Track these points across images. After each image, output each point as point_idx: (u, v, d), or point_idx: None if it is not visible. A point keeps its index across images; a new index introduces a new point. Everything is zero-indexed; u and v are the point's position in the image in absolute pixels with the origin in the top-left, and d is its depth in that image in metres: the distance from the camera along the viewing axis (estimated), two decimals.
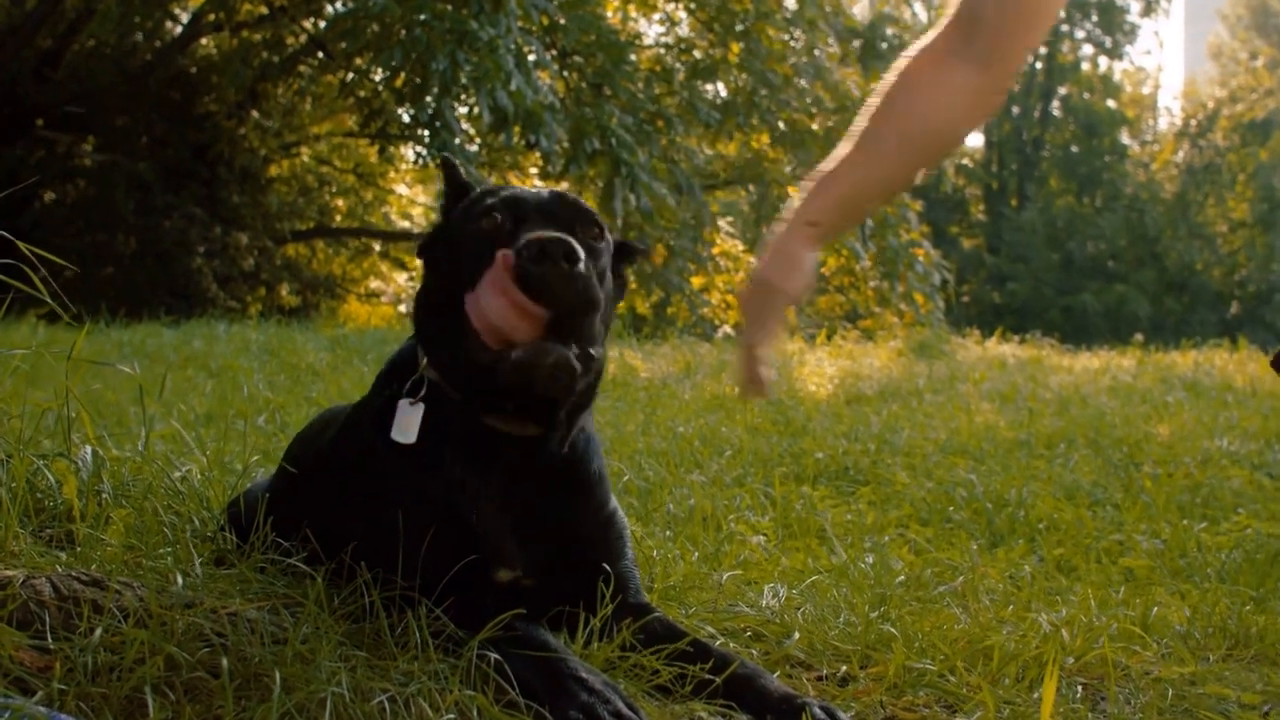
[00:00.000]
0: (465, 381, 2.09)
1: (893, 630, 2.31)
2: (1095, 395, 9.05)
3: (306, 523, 2.17)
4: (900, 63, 2.20)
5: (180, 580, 1.92)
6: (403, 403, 2.11)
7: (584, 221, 2.15)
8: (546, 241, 1.93)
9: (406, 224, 25.93)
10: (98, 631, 1.72)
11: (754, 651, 2.27)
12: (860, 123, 2.19)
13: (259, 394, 6.68)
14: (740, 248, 21.65)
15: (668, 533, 3.39)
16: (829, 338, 15.05)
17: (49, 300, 2.30)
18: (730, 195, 23.43)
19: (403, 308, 24.12)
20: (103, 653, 1.70)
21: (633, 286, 18.01)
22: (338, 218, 24.06)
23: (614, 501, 2.28)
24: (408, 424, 2.10)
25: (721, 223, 21.61)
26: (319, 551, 2.11)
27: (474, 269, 2.01)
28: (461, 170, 2.28)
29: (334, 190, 23.88)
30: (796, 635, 2.30)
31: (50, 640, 1.74)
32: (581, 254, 1.95)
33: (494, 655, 1.84)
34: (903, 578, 3.10)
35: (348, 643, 1.85)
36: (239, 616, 1.83)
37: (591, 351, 2.03)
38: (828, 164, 2.20)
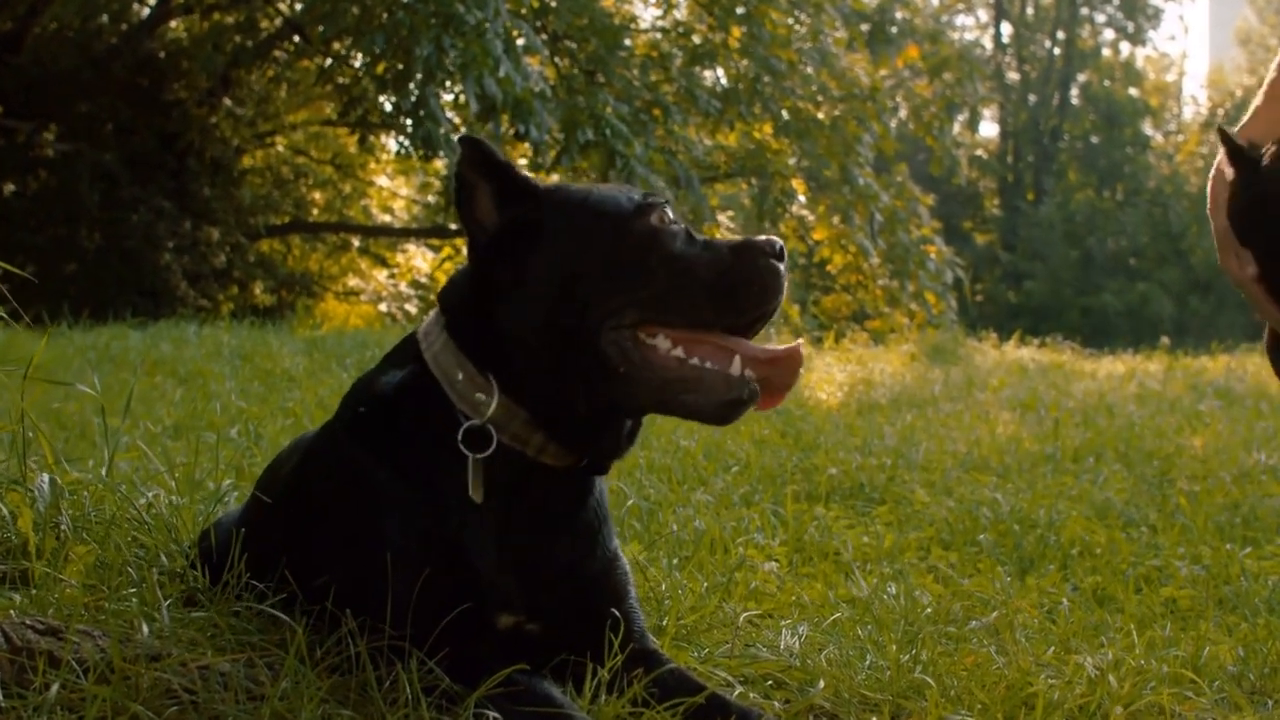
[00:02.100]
0: (565, 414, 2.04)
1: (926, 679, 2.23)
2: (1122, 404, 9.00)
3: (284, 560, 2.09)
4: None
5: (146, 628, 1.84)
6: (475, 458, 2.02)
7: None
8: (780, 244, 2.10)
9: (388, 218, 25.87)
10: (54, 687, 1.65)
11: (775, 702, 2.20)
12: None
13: (231, 404, 6.60)
14: None
15: (674, 560, 3.31)
16: (837, 340, 15.01)
17: (11, 302, 2.23)
18: (731, 188, 23.35)
19: (383, 307, 24.02)
20: (60, 711, 1.63)
21: None
22: (315, 211, 23.96)
23: (616, 539, 2.22)
24: (479, 479, 2.03)
25: (721, 217, 21.52)
26: (298, 593, 2.03)
27: (666, 274, 2.03)
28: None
29: (311, 182, 23.77)
30: (822, 683, 2.23)
31: (1, 697, 1.66)
32: None
33: (493, 714, 1.76)
34: (930, 610, 3.03)
35: (331, 699, 1.77)
36: (211, 670, 1.75)
37: None
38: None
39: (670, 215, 2.09)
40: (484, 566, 2.01)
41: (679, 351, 2.00)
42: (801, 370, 2.10)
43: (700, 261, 2.06)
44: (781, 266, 2.08)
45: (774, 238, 2.09)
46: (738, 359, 2.01)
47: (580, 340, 2.00)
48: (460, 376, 2.06)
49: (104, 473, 2.61)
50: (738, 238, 2.12)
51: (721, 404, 2.00)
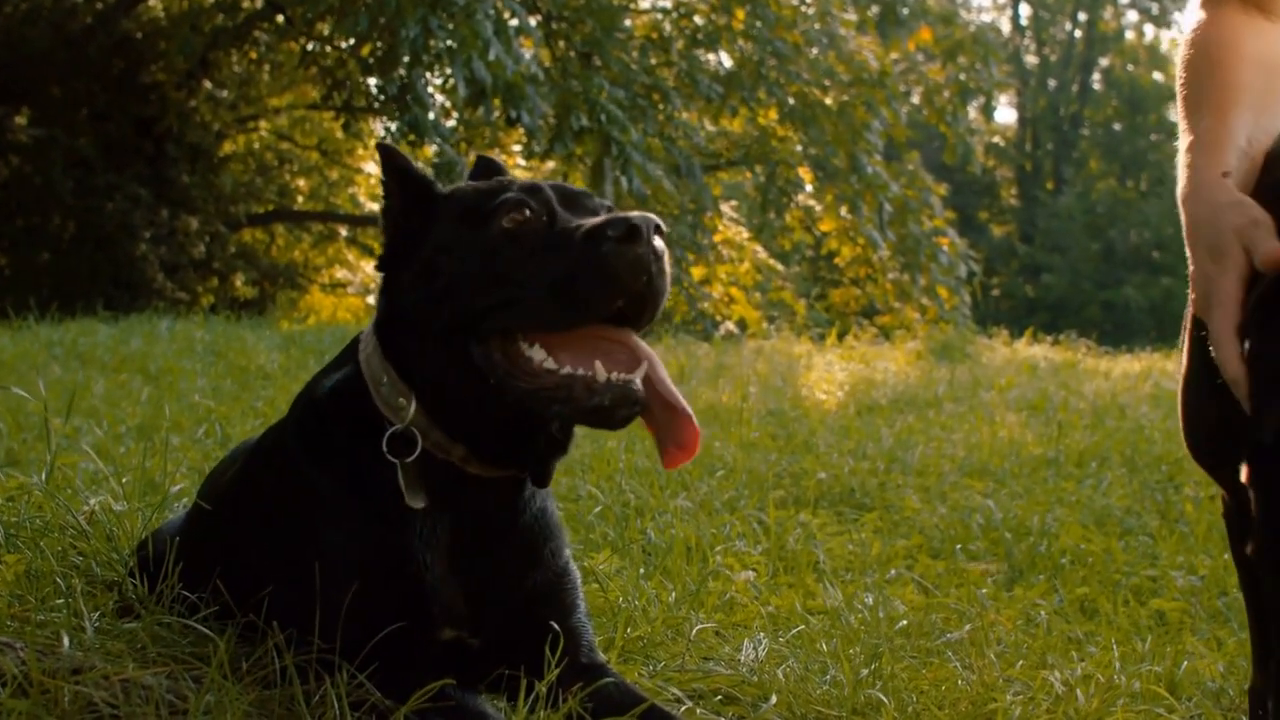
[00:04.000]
0: (471, 425, 2.05)
1: (881, 696, 2.27)
2: (1134, 405, 9.01)
3: (219, 571, 2.13)
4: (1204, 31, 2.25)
5: (67, 641, 1.87)
6: (404, 464, 2.04)
7: (601, 206, 2.13)
8: (640, 220, 1.92)
9: (375, 207, 25.86)
10: None
11: (724, 718, 2.23)
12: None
13: (200, 402, 6.63)
14: (745, 234, 21.60)
15: (642, 570, 3.34)
16: (840, 337, 15.02)
17: None
18: (734, 176, 23.36)
19: (371, 299, 24.05)
20: None
21: None
22: (299, 199, 23.99)
23: (568, 550, 2.25)
24: (414, 485, 2.04)
25: (724, 207, 21.57)
26: (231, 605, 2.07)
27: (515, 277, 1.99)
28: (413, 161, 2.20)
29: (295, 169, 23.80)
30: (774, 699, 2.26)
31: None
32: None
33: None
34: (905, 622, 3.06)
35: (255, 713, 1.81)
36: (133, 684, 1.79)
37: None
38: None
39: (529, 211, 2.04)
40: (427, 578, 2.04)
41: (550, 362, 1.97)
42: (687, 430, 1.97)
43: (551, 258, 1.99)
44: (635, 248, 1.92)
45: (631, 215, 1.95)
46: (598, 363, 1.95)
47: (457, 353, 2.03)
48: (385, 380, 2.10)
49: (44, 478, 2.64)
50: (599, 219, 2.01)
51: (586, 411, 1.95)
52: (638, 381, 1.95)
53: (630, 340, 2.00)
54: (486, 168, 2.32)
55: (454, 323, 2.03)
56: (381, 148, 2.15)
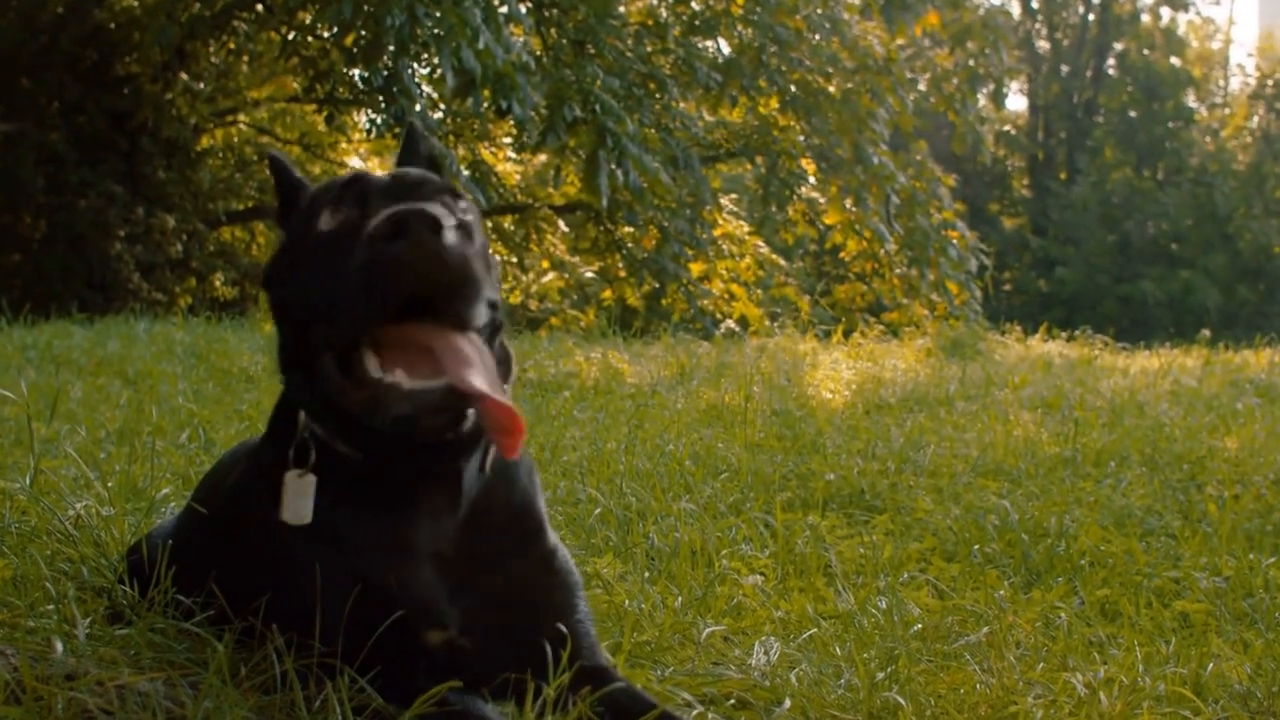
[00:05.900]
0: (347, 434, 2.04)
1: (899, 699, 2.29)
2: (1154, 402, 9.05)
3: (213, 576, 2.15)
4: None
5: (60, 646, 1.90)
6: (289, 476, 2.02)
7: (442, 191, 2.08)
8: (404, 214, 1.85)
9: None
10: None
11: None
12: None
13: (182, 406, 6.65)
14: (746, 229, 21.62)
15: (646, 574, 3.37)
16: (847, 335, 15.04)
17: None
18: (734, 168, 23.37)
19: None
20: None
21: (621, 275, 17.70)
22: None
23: (554, 535, 2.25)
24: (298, 501, 2.02)
25: (724, 200, 21.58)
26: (226, 609, 2.09)
27: (326, 285, 1.96)
28: (292, 168, 2.21)
29: None
30: (788, 703, 2.29)
31: None
32: (449, 222, 1.88)
33: None
34: (920, 626, 3.08)
35: (255, 718, 1.83)
36: (128, 690, 1.81)
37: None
38: None
39: (343, 209, 2.01)
40: (402, 582, 2.05)
41: (377, 370, 1.93)
42: (497, 415, 1.88)
43: (347, 261, 1.93)
44: (400, 246, 1.84)
45: (400, 209, 1.87)
46: (400, 371, 1.90)
47: (309, 369, 2.04)
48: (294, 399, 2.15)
49: (28, 482, 2.66)
50: (378, 217, 1.93)
51: (395, 421, 1.91)
52: (442, 387, 1.87)
53: (437, 343, 1.92)
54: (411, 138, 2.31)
55: (291, 332, 2.05)
56: (268, 155, 2.22)
